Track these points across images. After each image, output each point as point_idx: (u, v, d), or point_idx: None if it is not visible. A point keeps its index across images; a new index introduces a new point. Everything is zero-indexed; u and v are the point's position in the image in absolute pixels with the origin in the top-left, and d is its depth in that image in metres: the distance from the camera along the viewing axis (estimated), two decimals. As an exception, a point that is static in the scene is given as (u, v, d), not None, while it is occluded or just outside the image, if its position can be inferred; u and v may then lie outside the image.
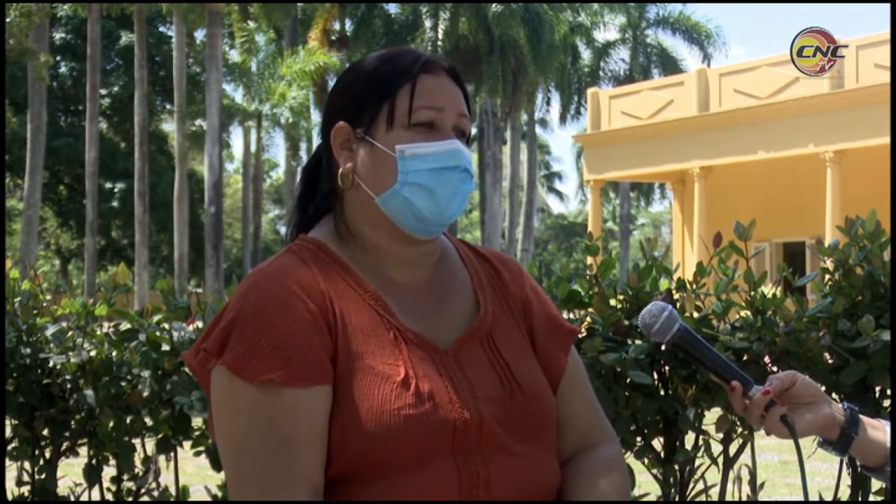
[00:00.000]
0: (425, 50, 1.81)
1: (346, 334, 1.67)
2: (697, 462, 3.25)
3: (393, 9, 36.64)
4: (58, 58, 38.54)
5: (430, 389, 1.65)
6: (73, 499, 3.58)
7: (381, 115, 1.72)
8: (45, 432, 3.49)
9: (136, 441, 3.50)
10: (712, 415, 3.18)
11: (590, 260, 3.32)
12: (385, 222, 1.74)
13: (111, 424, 3.39)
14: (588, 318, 3.18)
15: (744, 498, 3.40)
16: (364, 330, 1.68)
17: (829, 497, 3.39)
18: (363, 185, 1.73)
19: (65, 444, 3.53)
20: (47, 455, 3.53)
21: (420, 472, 1.62)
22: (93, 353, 3.38)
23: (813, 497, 3.23)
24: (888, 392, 3.10)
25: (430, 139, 1.72)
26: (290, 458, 1.60)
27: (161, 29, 40.10)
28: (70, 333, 3.46)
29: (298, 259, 1.73)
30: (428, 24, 34.91)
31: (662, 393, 3.16)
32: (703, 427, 3.18)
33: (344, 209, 1.77)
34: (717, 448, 3.25)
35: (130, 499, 3.52)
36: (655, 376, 3.14)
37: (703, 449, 3.23)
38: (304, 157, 35.47)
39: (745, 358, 3.05)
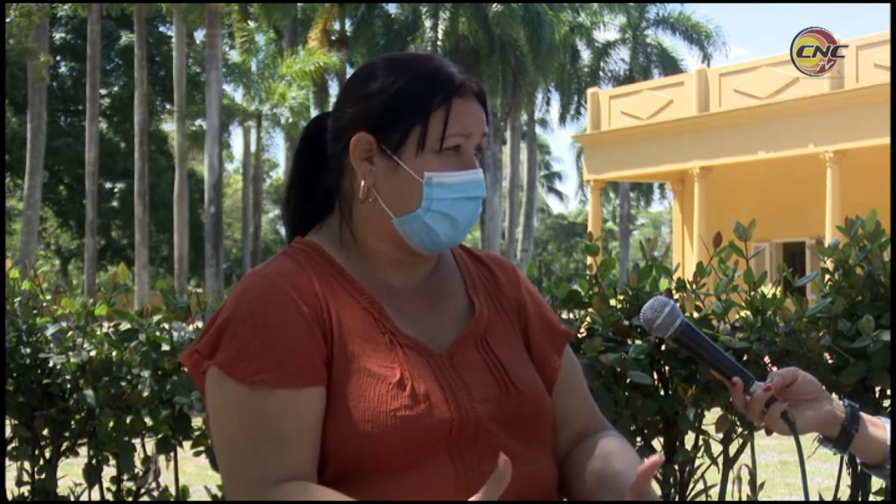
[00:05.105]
0: (446, 59, 1.77)
1: (341, 337, 1.67)
2: (697, 462, 3.25)
3: (393, 9, 36.64)
4: (58, 58, 38.54)
5: (425, 390, 1.65)
6: (73, 499, 3.57)
7: (412, 138, 1.70)
8: (45, 432, 3.49)
9: (136, 441, 3.50)
10: (712, 415, 3.18)
11: (590, 260, 3.32)
12: (396, 238, 1.74)
13: (111, 424, 3.39)
14: (588, 318, 3.18)
15: (744, 498, 3.40)
16: (360, 333, 1.68)
17: (829, 497, 3.39)
18: (381, 201, 1.72)
19: (65, 444, 3.53)
20: (47, 455, 3.53)
21: (417, 472, 1.63)
22: (93, 353, 3.38)
23: (813, 497, 3.22)
24: (888, 392, 3.10)
25: (456, 167, 1.71)
26: (277, 456, 1.61)
27: (161, 29, 40.10)
28: (70, 333, 3.45)
29: (294, 262, 1.73)
30: (428, 24, 34.90)
31: (662, 393, 3.16)
32: (703, 427, 3.18)
33: (353, 218, 1.76)
34: (717, 448, 3.25)
35: (130, 499, 3.52)
36: (655, 376, 3.13)
37: (703, 449, 3.23)
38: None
39: (745, 358, 3.04)
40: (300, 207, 1.83)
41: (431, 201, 1.70)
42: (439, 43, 33.96)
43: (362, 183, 1.72)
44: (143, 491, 3.52)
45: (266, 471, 1.61)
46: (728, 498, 3.36)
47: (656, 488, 3.26)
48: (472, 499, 1.49)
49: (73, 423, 3.47)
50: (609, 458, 1.73)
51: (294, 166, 1.85)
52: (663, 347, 3.06)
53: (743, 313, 3.16)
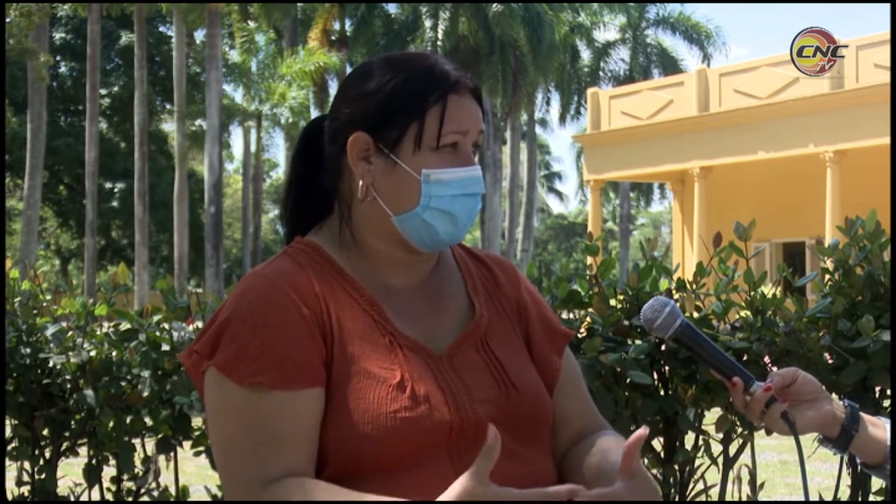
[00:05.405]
0: (441, 57, 1.78)
1: (341, 338, 1.67)
2: (697, 462, 3.25)
3: (393, 9, 36.64)
4: (58, 58, 38.53)
5: (425, 392, 1.65)
6: (73, 499, 3.58)
7: (409, 136, 1.70)
8: (45, 432, 3.49)
9: (136, 441, 3.50)
10: (712, 415, 3.18)
11: (590, 260, 3.32)
12: (396, 237, 1.73)
13: (111, 424, 3.39)
14: (588, 318, 3.18)
15: (744, 498, 3.40)
16: (359, 334, 1.68)
17: (829, 497, 3.39)
18: (380, 200, 1.72)
19: (65, 444, 3.53)
20: (47, 455, 3.53)
21: (416, 473, 1.63)
22: (93, 353, 3.38)
23: (813, 497, 3.22)
24: (888, 392, 3.10)
25: (454, 163, 1.71)
26: (275, 455, 1.61)
27: (161, 29, 40.09)
28: (70, 333, 3.46)
29: (294, 263, 1.73)
30: (428, 24, 34.90)
31: (662, 393, 3.16)
32: (703, 427, 3.18)
33: (352, 218, 1.76)
34: (717, 448, 3.25)
35: (130, 499, 3.52)
36: (655, 376, 3.14)
37: (703, 449, 3.23)
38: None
39: (745, 358, 3.04)
40: (299, 208, 1.83)
41: (430, 198, 1.70)
42: (439, 43, 33.96)
43: (360, 182, 1.72)
44: (143, 491, 3.52)
45: (264, 470, 1.61)
46: (728, 498, 3.36)
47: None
48: (464, 477, 1.49)
49: (73, 423, 3.47)
50: (607, 454, 1.74)
51: (293, 167, 1.84)
52: (663, 347, 3.07)
53: (743, 313, 3.16)
